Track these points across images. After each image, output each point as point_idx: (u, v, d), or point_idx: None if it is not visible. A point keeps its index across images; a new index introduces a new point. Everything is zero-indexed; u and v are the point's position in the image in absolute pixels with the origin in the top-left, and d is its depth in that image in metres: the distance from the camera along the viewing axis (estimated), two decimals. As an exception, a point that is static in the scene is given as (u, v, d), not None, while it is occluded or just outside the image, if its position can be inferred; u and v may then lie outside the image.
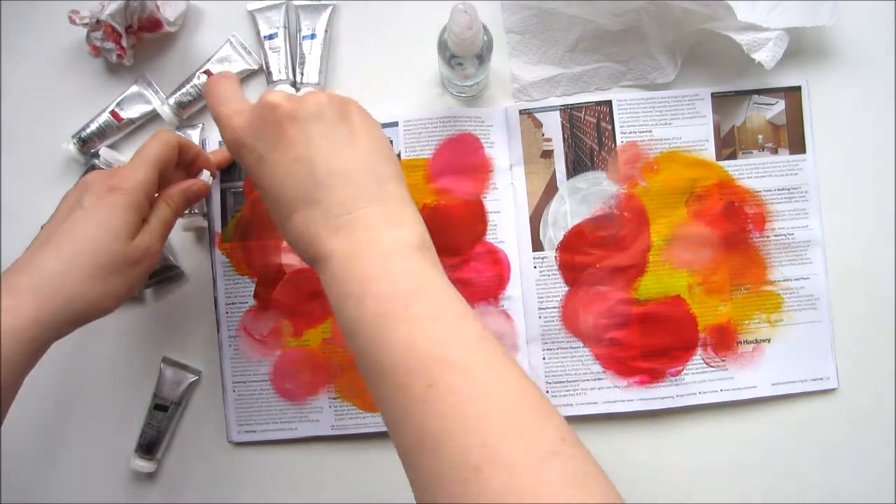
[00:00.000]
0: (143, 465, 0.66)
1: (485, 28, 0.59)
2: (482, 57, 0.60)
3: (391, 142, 0.67)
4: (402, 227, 0.46)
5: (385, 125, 0.67)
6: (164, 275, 0.68)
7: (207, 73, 0.67)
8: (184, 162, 0.60)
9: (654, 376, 0.66)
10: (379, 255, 0.44)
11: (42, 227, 0.66)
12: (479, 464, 0.36)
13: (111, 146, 0.69)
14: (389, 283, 0.43)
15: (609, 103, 0.66)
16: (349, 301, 0.43)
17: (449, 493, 0.37)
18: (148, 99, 0.68)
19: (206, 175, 0.62)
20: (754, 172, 0.66)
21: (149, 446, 0.66)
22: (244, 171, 0.48)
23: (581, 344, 0.66)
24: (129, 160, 0.55)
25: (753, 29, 0.62)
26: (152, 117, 0.69)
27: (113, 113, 0.68)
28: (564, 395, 0.66)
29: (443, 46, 0.60)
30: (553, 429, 0.38)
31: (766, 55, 0.62)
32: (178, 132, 0.68)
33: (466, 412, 0.38)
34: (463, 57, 0.59)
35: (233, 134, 0.49)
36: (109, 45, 0.65)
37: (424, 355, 0.40)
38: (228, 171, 0.67)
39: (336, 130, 0.48)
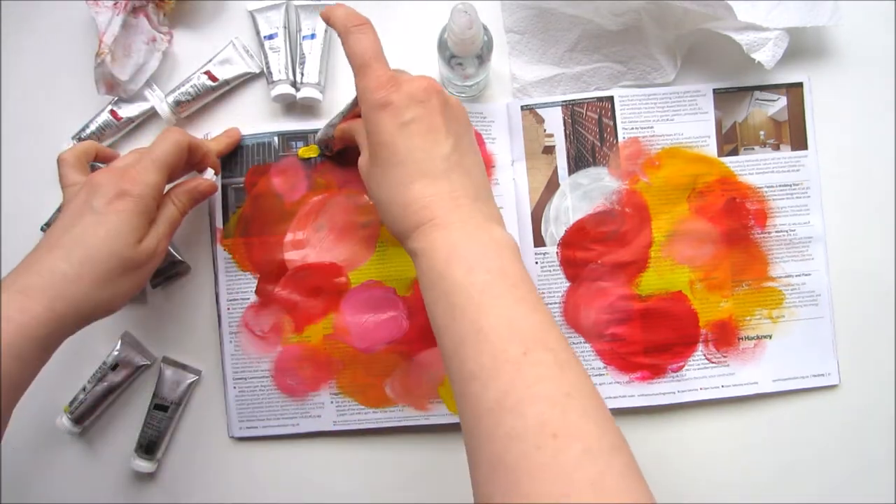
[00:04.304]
0: (143, 465, 0.66)
1: (485, 28, 0.59)
2: (482, 57, 0.60)
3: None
4: (505, 229, 0.52)
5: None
6: (171, 271, 0.67)
7: (208, 73, 0.67)
8: (191, 161, 0.61)
9: (655, 372, 0.66)
10: (493, 242, 0.49)
11: (49, 226, 0.67)
12: (556, 431, 0.40)
13: (111, 145, 0.68)
14: (501, 263, 0.48)
15: (611, 99, 0.66)
16: (461, 265, 0.47)
17: (520, 453, 0.40)
18: (146, 97, 0.68)
19: (210, 173, 0.62)
20: (756, 169, 0.66)
21: (149, 446, 0.66)
22: (375, 130, 0.52)
23: (582, 340, 0.66)
24: (139, 159, 0.56)
25: (753, 29, 0.62)
26: (151, 115, 0.68)
27: (112, 112, 0.67)
28: (566, 392, 0.66)
29: (443, 46, 0.60)
30: (615, 429, 0.43)
31: (766, 55, 0.62)
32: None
33: (552, 385, 0.42)
34: (463, 57, 0.59)
35: (387, 95, 0.50)
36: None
37: (524, 329, 0.44)
38: (229, 166, 0.67)
39: (470, 135, 0.54)
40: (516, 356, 0.43)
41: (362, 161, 0.54)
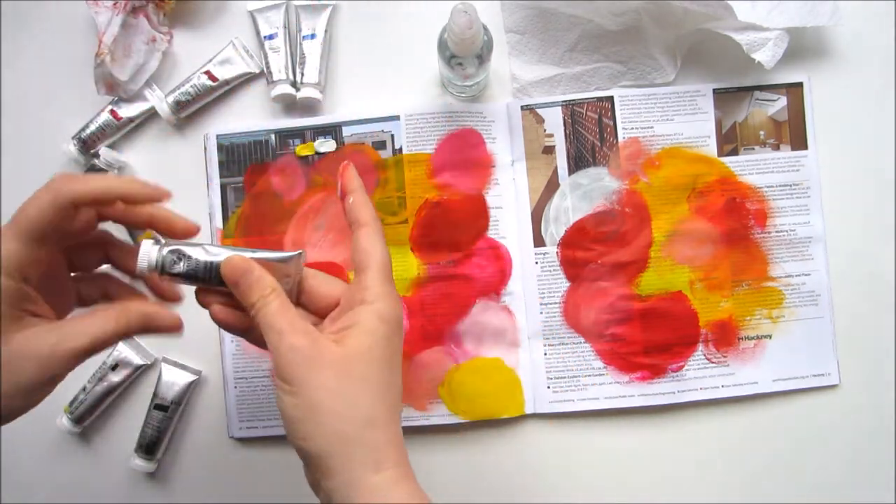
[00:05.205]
0: (143, 465, 0.66)
1: (485, 28, 0.59)
2: (482, 57, 0.60)
3: (393, 136, 0.67)
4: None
5: (386, 118, 0.67)
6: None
7: (208, 73, 0.67)
8: (108, 216, 0.47)
9: (655, 372, 0.66)
10: None
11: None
12: None
13: (111, 146, 0.68)
14: None
15: (611, 99, 0.66)
16: None
17: None
18: (146, 97, 0.68)
19: (147, 246, 0.47)
20: (756, 169, 0.66)
21: (149, 446, 0.66)
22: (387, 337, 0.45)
23: (582, 339, 0.66)
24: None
25: (753, 29, 0.62)
26: (151, 115, 0.68)
27: (112, 112, 0.67)
28: (566, 391, 0.66)
29: (443, 46, 0.60)
30: None
31: (765, 55, 0.62)
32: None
33: None
34: (463, 57, 0.59)
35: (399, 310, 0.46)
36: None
37: None
38: (228, 166, 0.67)
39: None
40: None
41: (306, 343, 0.43)
